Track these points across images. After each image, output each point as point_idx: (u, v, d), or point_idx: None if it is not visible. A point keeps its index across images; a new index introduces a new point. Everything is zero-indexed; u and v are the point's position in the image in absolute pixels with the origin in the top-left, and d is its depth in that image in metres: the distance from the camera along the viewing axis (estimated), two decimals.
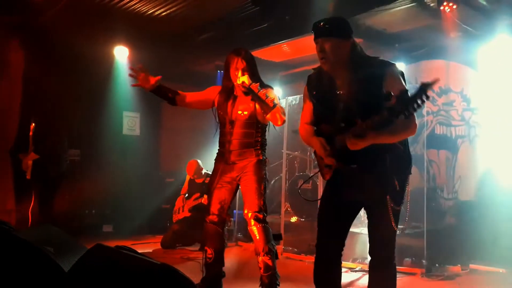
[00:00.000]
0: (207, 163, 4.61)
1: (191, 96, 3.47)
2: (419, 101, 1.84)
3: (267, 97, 3.12)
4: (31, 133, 5.11)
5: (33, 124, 5.11)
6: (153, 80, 3.25)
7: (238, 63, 3.23)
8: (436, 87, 6.09)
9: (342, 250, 2.43)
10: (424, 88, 1.83)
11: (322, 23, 2.30)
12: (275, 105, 3.12)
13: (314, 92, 2.41)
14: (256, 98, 3.11)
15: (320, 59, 2.30)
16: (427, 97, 1.84)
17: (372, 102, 2.08)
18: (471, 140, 5.72)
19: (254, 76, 3.22)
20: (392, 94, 1.91)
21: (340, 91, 2.29)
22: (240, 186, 3.34)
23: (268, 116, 3.15)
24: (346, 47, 2.28)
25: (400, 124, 2.07)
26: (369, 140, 2.09)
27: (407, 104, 1.86)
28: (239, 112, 3.28)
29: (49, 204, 5.15)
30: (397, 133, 2.18)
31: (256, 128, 3.31)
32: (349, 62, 2.29)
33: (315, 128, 2.46)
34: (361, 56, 2.33)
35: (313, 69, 2.48)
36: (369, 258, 2.41)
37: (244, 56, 3.26)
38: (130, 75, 3.26)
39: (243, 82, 3.10)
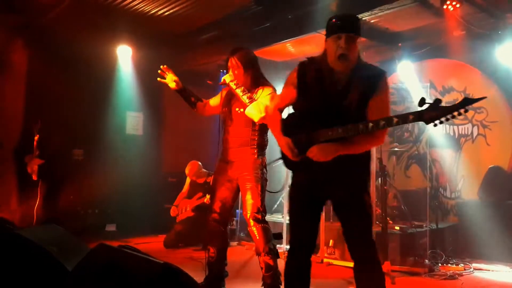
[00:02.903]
0: (210, 164, 4.61)
1: (209, 104, 3.57)
2: (456, 113, 1.84)
3: (247, 94, 3.16)
4: (36, 138, 5.14)
5: (37, 135, 5.14)
6: (177, 79, 3.44)
7: (231, 62, 3.28)
8: (439, 86, 6.09)
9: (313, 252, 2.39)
10: (466, 102, 1.82)
11: (350, 17, 2.15)
12: (252, 101, 3.13)
13: (309, 81, 2.22)
14: (235, 93, 3.22)
15: (338, 55, 2.09)
16: (466, 111, 1.83)
17: (362, 107, 2.10)
18: (474, 139, 5.71)
19: (248, 72, 3.24)
20: (425, 100, 1.88)
21: (339, 90, 2.17)
22: (239, 187, 3.33)
23: (246, 111, 3.16)
24: (357, 47, 2.18)
25: (370, 136, 2.09)
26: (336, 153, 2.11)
27: (444, 112, 1.85)
28: (236, 109, 3.32)
29: (53, 204, 5.18)
30: (366, 143, 2.15)
31: (252, 127, 3.30)
32: (356, 64, 2.17)
33: (283, 121, 2.39)
34: (363, 61, 2.24)
35: (307, 58, 2.29)
36: None
37: (238, 55, 3.28)
38: (161, 73, 3.49)
39: (223, 80, 3.25)
